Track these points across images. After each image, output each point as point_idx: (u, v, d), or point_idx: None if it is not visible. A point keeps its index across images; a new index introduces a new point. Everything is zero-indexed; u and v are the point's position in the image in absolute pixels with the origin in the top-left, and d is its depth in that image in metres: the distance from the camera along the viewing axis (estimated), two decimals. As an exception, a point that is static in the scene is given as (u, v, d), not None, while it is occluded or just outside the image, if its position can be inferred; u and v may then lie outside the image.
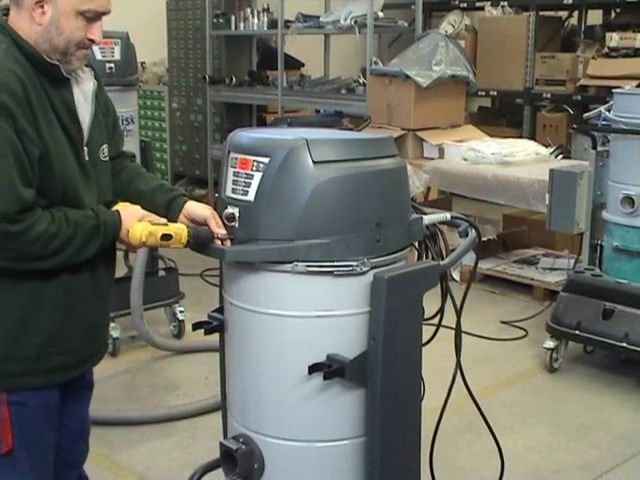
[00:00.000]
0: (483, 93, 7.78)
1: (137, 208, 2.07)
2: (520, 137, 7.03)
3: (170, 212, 2.14)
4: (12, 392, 2.00)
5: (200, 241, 2.02)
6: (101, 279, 2.13)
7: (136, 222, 2.00)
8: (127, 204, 2.10)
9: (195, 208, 2.12)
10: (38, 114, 1.90)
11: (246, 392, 2.07)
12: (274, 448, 2.02)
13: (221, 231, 1.99)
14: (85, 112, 2.06)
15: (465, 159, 5.57)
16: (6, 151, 1.83)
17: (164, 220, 2.05)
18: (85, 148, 2.05)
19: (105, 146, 2.14)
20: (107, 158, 2.16)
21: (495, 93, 7.88)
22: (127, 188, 2.24)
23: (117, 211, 2.04)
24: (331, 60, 7.94)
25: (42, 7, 1.92)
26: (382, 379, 1.93)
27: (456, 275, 5.45)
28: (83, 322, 2.09)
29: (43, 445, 2.10)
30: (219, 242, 2.00)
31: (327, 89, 7.36)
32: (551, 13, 8.23)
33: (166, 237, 2.00)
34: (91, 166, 2.07)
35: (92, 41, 1.99)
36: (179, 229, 2.02)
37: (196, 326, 2.23)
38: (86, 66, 2.10)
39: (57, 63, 1.97)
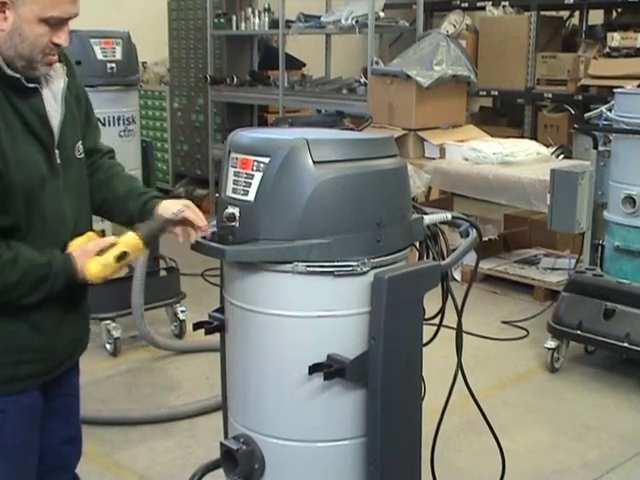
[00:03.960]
0: (484, 93, 7.77)
1: (86, 245, 1.99)
2: (521, 137, 7.03)
3: (144, 217, 2.11)
4: None
5: (156, 234, 2.03)
6: (71, 295, 2.07)
7: (87, 262, 1.95)
8: (81, 241, 2.01)
9: (168, 206, 2.09)
10: None
11: (247, 392, 2.07)
12: (275, 448, 2.02)
13: (200, 222, 2.00)
14: (55, 112, 2.00)
15: (466, 159, 5.57)
16: None
17: (112, 239, 1.99)
18: (57, 151, 2.00)
19: (80, 143, 2.09)
20: (82, 155, 2.11)
21: (496, 93, 7.88)
22: (102, 190, 2.20)
23: (70, 256, 1.96)
24: (332, 60, 7.94)
25: (4, 12, 1.84)
26: (382, 379, 1.93)
27: (457, 275, 5.45)
28: (52, 334, 2.05)
29: (23, 450, 2.07)
30: (199, 233, 2.01)
31: (328, 89, 7.37)
32: (552, 13, 8.22)
33: (122, 256, 1.97)
34: (64, 168, 2.02)
35: (58, 46, 1.92)
36: (129, 240, 1.99)
37: (197, 326, 2.23)
38: (59, 61, 2.03)
39: (18, 76, 1.90)
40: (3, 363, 1.98)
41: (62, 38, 1.91)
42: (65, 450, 2.29)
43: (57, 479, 2.30)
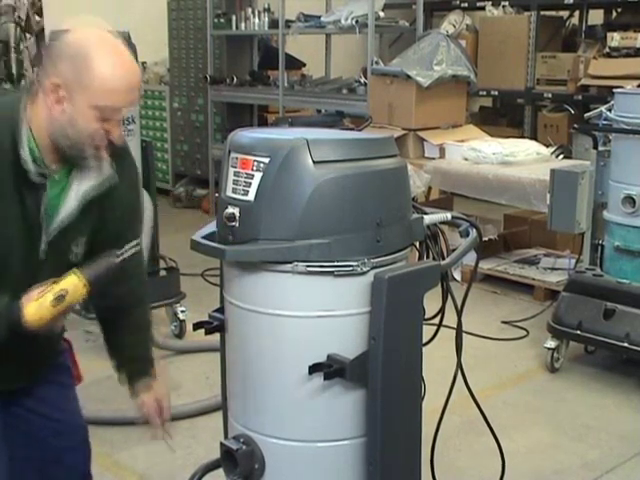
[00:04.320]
0: (484, 93, 7.77)
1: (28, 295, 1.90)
2: (521, 137, 7.03)
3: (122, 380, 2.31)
4: None
5: (101, 277, 1.94)
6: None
7: (26, 305, 1.88)
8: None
9: (141, 395, 2.31)
10: None
11: (247, 392, 2.07)
12: (274, 448, 2.02)
13: (155, 421, 2.20)
14: (66, 213, 1.97)
15: (466, 159, 5.57)
16: None
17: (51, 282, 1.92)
18: (43, 247, 1.96)
19: (81, 243, 2.04)
20: (79, 257, 2.05)
21: (496, 93, 7.88)
22: (115, 332, 2.26)
23: (15, 302, 1.88)
24: (332, 60, 7.94)
25: (62, 104, 1.86)
26: (382, 379, 1.93)
27: (457, 275, 5.44)
28: None
29: None
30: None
31: (328, 89, 7.37)
32: (552, 13, 8.22)
33: (59, 298, 1.88)
34: (46, 264, 1.97)
35: (109, 139, 1.92)
36: (69, 280, 1.90)
37: (197, 326, 2.23)
38: (113, 159, 2.00)
39: (30, 169, 1.88)
40: None
41: (114, 132, 1.91)
42: (67, 458, 2.31)
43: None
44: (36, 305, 1.89)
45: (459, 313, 2.24)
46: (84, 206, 1.98)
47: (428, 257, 2.22)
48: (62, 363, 2.32)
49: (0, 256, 1.92)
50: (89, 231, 2.06)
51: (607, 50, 6.95)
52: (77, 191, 1.97)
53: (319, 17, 7.10)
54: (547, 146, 5.83)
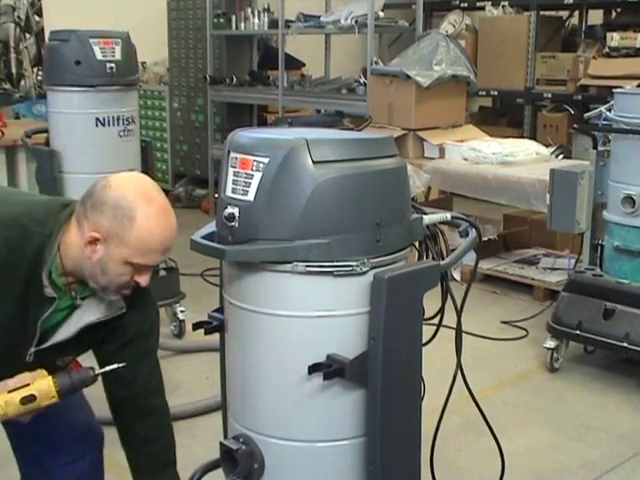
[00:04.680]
0: (484, 93, 7.77)
1: (5, 382, 1.91)
2: (521, 137, 7.03)
3: None
4: None
5: (75, 389, 1.97)
6: None
7: None
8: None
9: None
10: None
11: (246, 392, 2.07)
12: (274, 448, 2.02)
13: None
14: (62, 334, 2.00)
15: (466, 159, 5.57)
16: None
17: (29, 379, 1.93)
18: (32, 350, 1.97)
19: (69, 358, 2.08)
20: (64, 363, 2.08)
21: (496, 93, 7.88)
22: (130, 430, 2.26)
23: None
24: (332, 60, 7.94)
25: (95, 245, 1.90)
26: (382, 379, 1.93)
27: (457, 275, 5.45)
28: None
29: None
30: None
31: (328, 89, 7.36)
32: (552, 13, 8.22)
33: (28, 399, 1.89)
34: (30, 365, 1.97)
35: (137, 284, 1.98)
36: (42, 385, 1.91)
37: (196, 326, 2.23)
38: (131, 301, 2.05)
39: (46, 285, 1.92)
40: None
41: (143, 280, 1.97)
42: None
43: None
44: (4, 400, 1.89)
45: (459, 313, 2.24)
46: (79, 333, 2.01)
47: (428, 257, 2.22)
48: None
49: None
50: (79, 352, 2.09)
51: (607, 50, 6.96)
52: (79, 319, 2.01)
53: (319, 17, 7.10)
54: (547, 146, 5.82)
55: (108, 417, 3.71)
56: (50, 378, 1.94)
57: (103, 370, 2.07)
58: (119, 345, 2.15)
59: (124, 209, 1.89)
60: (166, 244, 1.96)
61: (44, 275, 1.92)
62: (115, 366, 2.05)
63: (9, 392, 1.90)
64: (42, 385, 1.92)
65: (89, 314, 2.02)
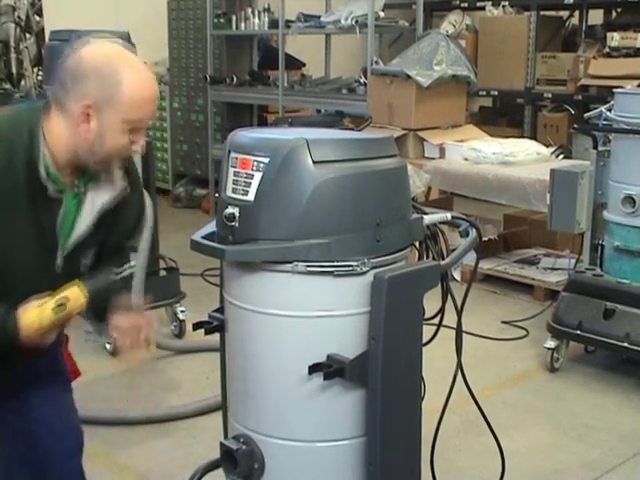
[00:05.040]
0: (484, 93, 7.77)
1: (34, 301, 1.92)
2: (521, 137, 7.02)
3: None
4: None
5: (102, 290, 2.00)
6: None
7: (24, 314, 1.90)
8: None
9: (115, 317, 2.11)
10: None
11: (246, 392, 2.07)
12: (274, 448, 2.02)
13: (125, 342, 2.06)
14: (82, 226, 2.00)
15: (466, 159, 5.57)
16: None
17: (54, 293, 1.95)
18: (58, 261, 2.00)
19: (91, 252, 2.08)
20: (87, 266, 2.09)
21: (496, 93, 7.88)
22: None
23: (12, 312, 1.90)
24: (332, 60, 7.94)
25: (88, 123, 1.87)
26: (382, 379, 1.93)
27: (457, 275, 5.44)
28: None
29: None
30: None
31: (328, 89, 7.36)
32: (552, 13, 8.22)
33: (60, 306, 1.92)
34: (60, 276, 1.99)
35: (135, 151, 1.97)
36: (70, 290, 1.94)
37: (197, 326, 2.23)
38: (128, 175, 2.04)
39: (47, 185, 1.91)
40: None
41: (138, 141, 1.94)
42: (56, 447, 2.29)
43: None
44: (37, 312, 1.91)
45: (459, 313, 2.24)
46: (98, 219, 2.01)
47: (428, 257, 2.22)
48: (56, 368, 2.31)
49: (20, 272, 1.94)
50: (99, 243, 2.08)
51: (607, 50, 6.95)
52: (92, 206, 1.99)
53: (319, 17, 7.10)
54: (547, 146, 5.82)
55: (108, 417, 3.73)
56: (76, 284, 1.96)
57: (123, 273, 2.10)
58: (123, 227, 2.14)
59: (107, 72, 1.85)
60: (153, 93, 1.93)
61: (42, 174, 1.89)
62: (131, 269, 2.11)
63: (39, 306, 1.92)
64: (71, 290, 1.94)
65: (100, 198, 1.99)
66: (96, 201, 2.00)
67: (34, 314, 1.90)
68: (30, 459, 2.25)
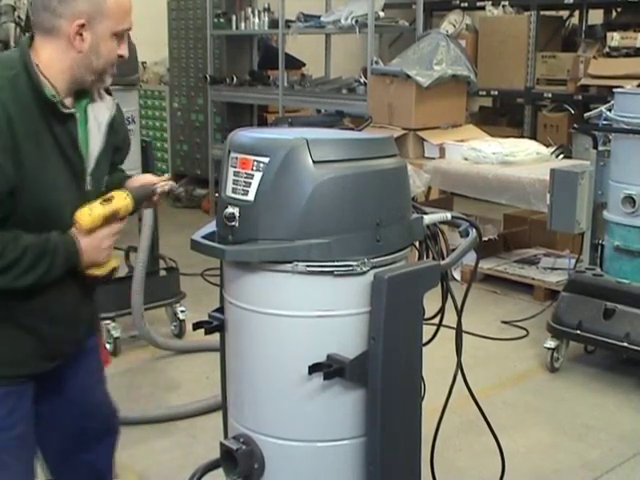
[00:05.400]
0: (484, 93, 7.78)
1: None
2: (521, 137, 7.03)
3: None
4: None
5: (141, 195, 2.17)
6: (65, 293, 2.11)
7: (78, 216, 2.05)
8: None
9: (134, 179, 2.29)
10: (24, 150, 1.91)
11: (246, 392, 2.07)
12: (274, 448, 2.02)
13: (159, 179, 2.23)
14: (95, 143, 2.10)
15: (466, 159, 5.57)
16: None
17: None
18: (88, 178, 2.09)
19: (106, 177, 2.21)
20: (105, 184, 2.22)
21: (496, 93, 7.88)
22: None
23: (69, 234, 2.03)
24: (332, 60, 7.94)
25: (81, 35, 1.96)
26: (382, 379, 1.93)
27: (457, 275, 5.44)
28: (46, 335, 2.11)
29: (8, 435, 2.11)
30: (162, 187, 2.22)
31: (328, 89, 7.36)
32: (552, 13, 8.23)
33: (106, 201, 2.07)
34: (91, 195, 2.09)
35: (121, 57, 2.06)
36: (116, 192, 2.11)
37: (197, 326, 2.23)
38: (108, 94, 2.16)
39: (55, 100, 1.97)
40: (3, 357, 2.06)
41: (125, 50, 2.06)
42: (86, 425, 2.36)
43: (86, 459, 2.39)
44: (87, 211, 2.03)
45: (459, 313, 2.24)
46: (106, 138, 2.12)
47: (428, 257, 2.22)
48: (94, 346, 2.39)
49: (58, 204, 2.02)
50: (108, 169, 2.22)
51: (607, 50, 6.96)
52: (97, 125, 2.10)
53: (319, 17, 7.10)
54: (547, 146, 5.82)
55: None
56: (121, 190, 2.14)
57: (164, 189, 2.24)
58: (117, 147, 2.27)
59: None
60: (131, 4, 2.05)
61: (48, 94, 1.96)
62: (170, 186, 2.27)
63: (88, 208, 2.06)
64: (114, 193, 2.10)
65: (101, 116, 2.11)
66: (99, 120, 2.11)
67: (85, 213, 2.03)
68: (65, 443, 2.33)
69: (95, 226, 2.04)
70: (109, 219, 2.08)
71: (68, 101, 2.04)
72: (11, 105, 1.90)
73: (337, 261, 1.90)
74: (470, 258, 2.59)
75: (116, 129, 2.19)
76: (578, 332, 4.14)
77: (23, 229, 1.95)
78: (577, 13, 8.29)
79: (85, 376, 2.32)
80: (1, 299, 1.99)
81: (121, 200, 2.09)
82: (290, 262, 1.90)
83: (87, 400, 2.34)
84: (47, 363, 2.15)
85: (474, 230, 2.29)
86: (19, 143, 1.90)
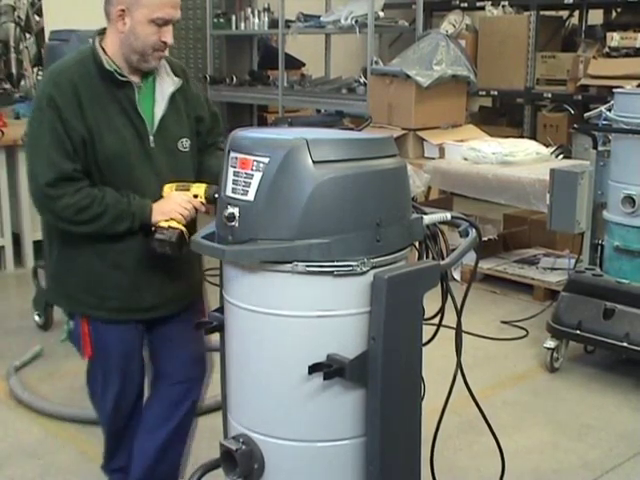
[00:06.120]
0: (484, 93, 7.77)
1: (169, 200, 2.46)
2: (521, 137, 7.03)
3: None
4: (90, 318, 2.55)
5: (213, 193, 2.41)
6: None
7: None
8: (172, 193, 2.48)
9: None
10: (89, 109, 2.36)
11: (246, 392, 2.07)
12: (274, 448, 2.02)
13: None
14: (159, 109, 2.48)
15: (466, 159, 5.57)
16: (46, 134, 2.35)
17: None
18: (151, 137, 2.46)
19: (185, 139, 2.55)
20: (187, 149, 2.57)
21: (496, 93, 7.88)
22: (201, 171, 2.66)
23: (150, 204, 2.43)
24: (332, 60, 7.94)
25: (123, 19, 2.37)
26: (382, 379, 1.93)
27: (457, 275, 5.44)
28: (132, 280, 2.51)
29: (116, 361, 2.58)
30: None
31: (328, 89, 7.37)
32: (552, 13, 8.22)
33: (183, 188, 2.46)
34: (160, 155, 2.48)
35: (164, 43, 2.41)
36: (197, 184, 2.48)
37: (197, 326, 2.24)
38: (176, 76, 2.53)
39: (112, 69, 2.40)
40: (92, 292, 2.51)
41: (167, 37, 2.41)
42: (185, 370, 2.73)
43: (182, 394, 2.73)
44: (166, 188, 2.48)
45: (459, 313, 2.24)
46: (172, 106, 2.51)
47: (428, 257, 2.22)
48: (201, 309, 2.71)
49: (125, 153, 2.42)
50: (188, 134, 2.56)
51: (607, 50, 6.95)
52: (162, 95, 2.50)
53: (319, 17, 7.10)
54: (547, 146, 5.82)
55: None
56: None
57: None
58: (198, 117, 2.63)
59: None
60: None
61: (107, 66, 2.39)
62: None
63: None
64: (197, 184, 2.50)
65: (166, 88, 2.50)
66: (164, 91, 2.50)
67: (165, 189, 2.47)
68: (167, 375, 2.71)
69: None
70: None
71: (134, 77, 2.44)
72: (77, 78, 2.37)
73: (337, 261, 1.90)
74: (470, 258, 2.59)
75: (189, 100, 2.57)
76: (578, 332, 4.14)
77: (101, 180, 2.40)
78: (577, 13, 8.29)
79: (185, 330, 2.60)
80: (99, 241, 2.45)
81: (197, 190, 2.47)
82: (290, 262, 1.90)
83: (188, 350, 2.69)
84: (142, 312, 2.56)
85: (474, 230, 2.29)
86: (83, 104, 2.35)
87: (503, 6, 7.87)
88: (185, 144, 2.55)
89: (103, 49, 2.43)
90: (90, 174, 2.40)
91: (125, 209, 2.39)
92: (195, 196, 2.45)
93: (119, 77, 2.41)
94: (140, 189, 2.45)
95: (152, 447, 2.69)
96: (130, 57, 2.41)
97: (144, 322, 2.61)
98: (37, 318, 4.78)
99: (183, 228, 2.42)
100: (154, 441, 2.69)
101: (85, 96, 2.37)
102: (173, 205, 2.43)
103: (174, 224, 2.42)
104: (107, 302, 2.52)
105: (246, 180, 1.95)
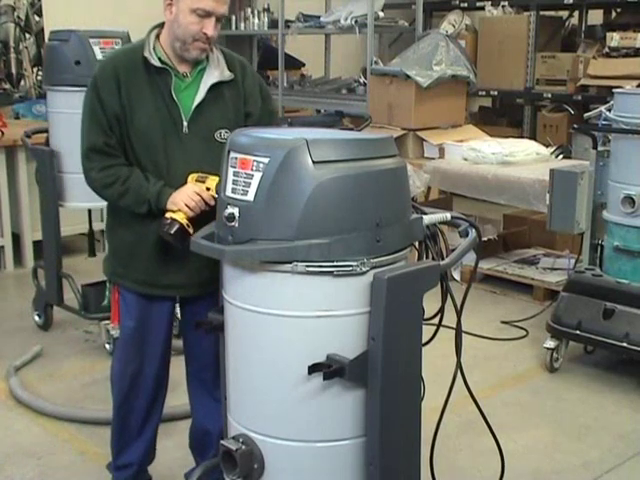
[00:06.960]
0: (483, 93, 7.77)
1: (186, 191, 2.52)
2: (521, 137, 7.03)
3: None
4: (119, 286, 2.76)
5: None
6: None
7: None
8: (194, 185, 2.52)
9: None
10: (125, 89, 2.53)
11: (246, 392, 2.07)
12: (274, 448, 2.02)
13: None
14: (199, 97, 2.57)
15: (465, 159, 5.57)
16: (87, 111, 2.58)
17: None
18: (185, 123, 2.56)
19: (225, 130, 2.57)
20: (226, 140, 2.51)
21: (495, 93, 7.88)
22: None
23: (166, 192, 2.52)
24: (332, 60, 7.94)
25: (171, 7, 2.55)
26: (382, 379, 1.93)
27: (457, 275, 5.44)
28: (154, 255, 2.62)
29: (138, 333, 2.70)
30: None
31: (327, 89, 7.37)
32: (552, 13, 8.22)
33: (201, 179, 2.50)
34: (193, 142, 2.56)
35: (206, 35, 2.50)
36: (213, 177, 2.48)
37: (196, 326, 2.24)
38: (230, 70, 2.62)
39: (148, 56, 2.54)
40: (121, 261, 2.69)
41: (209, 29, 2.51)
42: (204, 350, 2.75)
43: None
44: (190, 177, 2.52)
45: (458, 313, 2.24)
46: (214, 96, 2.58)
47: (428, 257, 2.22)
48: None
49: (157, 133, 2.54)
50: (231, 126, 2.54)
51: (606, 50, 6.95)
52: (205, 83, 2.59)
53: (319, 17, 7.10)
54: (547, 146, 5.82)
55: (109, 418, 3.73)
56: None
57: None
58: (248, 113, 2.68)
59: None
60: None
61: (147, 55, 2.55)
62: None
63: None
64: (212, 177, 2.50)
65: (210, 79, 2.59)
66: (207, 81, 2.59)
67: (192, 179, 2.53)
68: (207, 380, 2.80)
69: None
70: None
71: (182, 67, 2.58)
72: (121, 63, 2.57)
73: (337, 261, 1.90)
74: (470, 258, 2.59)
75: (241, 95, 2.64)
76: (578, 332, 4.14)
77: (135, 158, 2.56)
78: (577, 13, 8.28)
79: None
80: (133, 215, 2.59)
81: (210, 181, 2.49)
82: (290, 262, 1.90)
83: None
84: (162, 289, 2.65)
85: (474, 230, 2.29)
86: (121, 85, 2.53)
87: (503, 6, 7.87)
88: (224, 135, 2.58)
89: (158, 38, 2.62)
90: (125, 151, 2.57)
91: (143, 194, 2.53)
92: (208, 189, 2.48)
93: (155, 63, 2.55)
94: (168, 173, 2.56)
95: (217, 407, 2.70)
96: (174, 44, 2.56)
97: (172, 300, 2.73)
98: (37, 318, 4.78)
99: (184, 222, 2.46)
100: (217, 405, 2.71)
101: (124, 78, 2.54)
102: (182, 196, 2.50)
103: (179, 215, 2.46)
104: (132, 273, 2.66)
105: (246, 180, 1.95)
